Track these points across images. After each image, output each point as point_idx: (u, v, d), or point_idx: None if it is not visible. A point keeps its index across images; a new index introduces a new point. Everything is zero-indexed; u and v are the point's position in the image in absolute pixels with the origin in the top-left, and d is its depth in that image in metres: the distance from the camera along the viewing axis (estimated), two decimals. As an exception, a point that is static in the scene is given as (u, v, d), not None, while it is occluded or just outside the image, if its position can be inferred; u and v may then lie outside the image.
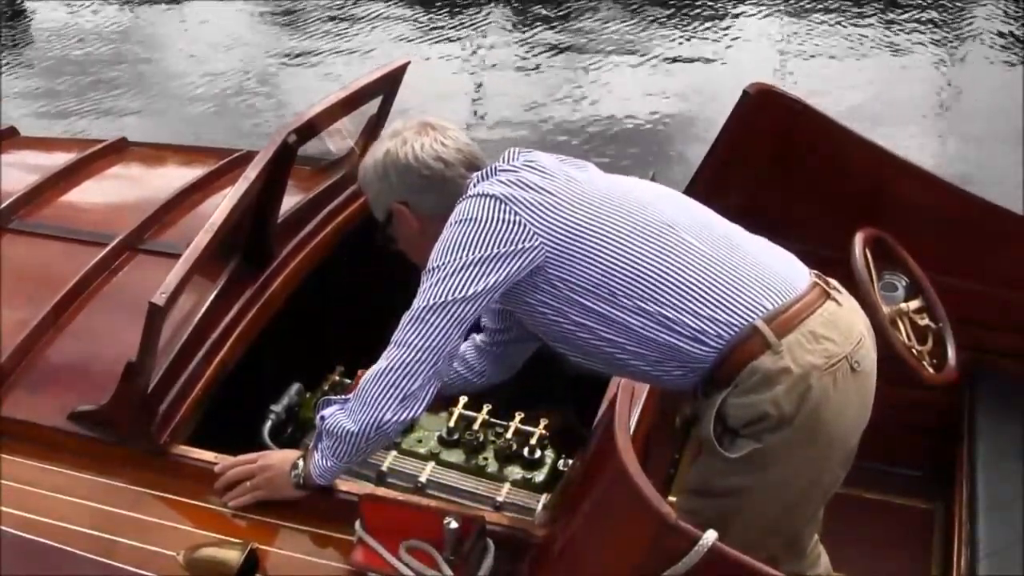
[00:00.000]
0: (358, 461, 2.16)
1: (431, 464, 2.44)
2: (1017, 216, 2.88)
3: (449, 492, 2.39)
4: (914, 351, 2.47)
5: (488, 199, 1.99)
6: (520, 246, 1.96)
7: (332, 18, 9.17)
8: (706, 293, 1.97)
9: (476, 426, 2.49)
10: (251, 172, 2.47)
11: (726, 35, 8.52)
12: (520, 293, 2.02)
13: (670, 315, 1.96)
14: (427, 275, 2.00)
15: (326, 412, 2.11)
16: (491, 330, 2.36)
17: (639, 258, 1.97)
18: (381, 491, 2.24)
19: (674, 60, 7.99)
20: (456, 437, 2.47)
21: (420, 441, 2.48)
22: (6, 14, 9.81)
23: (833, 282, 2.14)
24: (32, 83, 8.33)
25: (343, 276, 2.97)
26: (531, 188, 2.00)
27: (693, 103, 7.21)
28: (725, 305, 1.97)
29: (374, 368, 2.01)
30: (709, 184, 2.72)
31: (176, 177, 3.19)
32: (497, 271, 1.95)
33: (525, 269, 1.97)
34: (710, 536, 1.55)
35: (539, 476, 2.41)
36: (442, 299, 1.96)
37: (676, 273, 1.97)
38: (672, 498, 2.40)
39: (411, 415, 2.00)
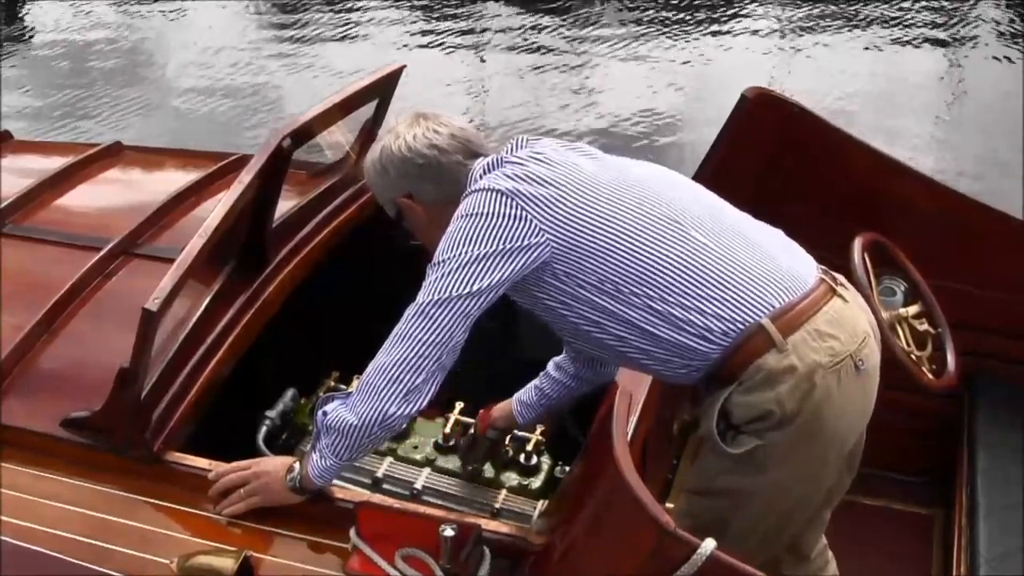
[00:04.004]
0: (357, 459, 2.14)
1: (427, 470, 2.43)
2: (1016, 220, 2.87)
3: (445, 498, 2.38)
4: (913, 356, 2.46)
5: (494, 194, 1.97)
6: (526, 242, 1.95)
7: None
8: (713, 291, 1.96)
9: (472, 432, 2.48)
10: (246, 177, 2.46)
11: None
12: (527, 287, 2.01)
13: (677, 314, 1.95)
14: (432, 269, 1.98)
15: (328, 407, 2.08)
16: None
17: (647, 255, 1.96)
18: (377, 498, 2.23)
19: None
20: (452, 443, 2.46)
21: (416, 447, 2.48)
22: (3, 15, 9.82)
23: (840, 278, 2.13)
24: (27, 85, 8.33)
25: (339, 280, 2.96)
26: (538, 182, 1.98)
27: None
28: (732, 303, 1.96)
29: (377, 362, 1.99)
30: (706, 188, 2.71)
31: (171, 181, 3.17)
32: (503, 267, 1.94)
33: (531, 265, 1.96)
34: (709, 545, 1.53)
35: (536, 482, 2.40)
36: (447, 294, 1.94)
37: (684, 271, 1.96)
38: (670, 504, 2.39)
39: (415, 409, 1.99)
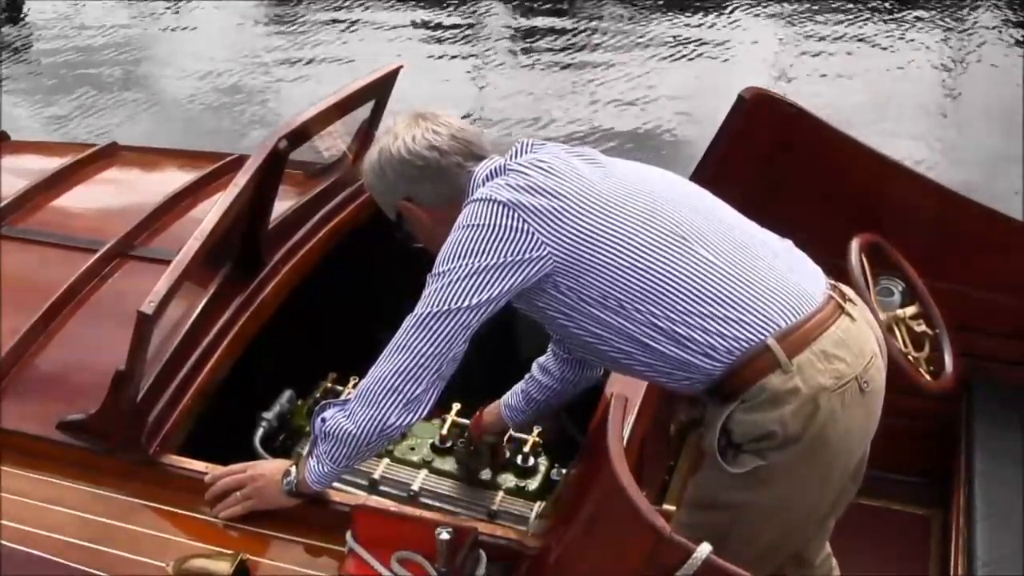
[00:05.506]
0: (354, 466, 2.14)
1: (424, 472, 2.43)
2: (1016, 221, 2.87)
3: (442, 500, 2.37)
4: (911, 357, 2.46)
5: (496, 205, 1.94)
6: (528, 255, 1.92)
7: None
8: (717, 309, 1.93)
9: (468, 437, 2.47)
10: (241, 178, 2.45)
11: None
12: (530, 297, 1.99)
13: (681, 331, 1.93)
14: (432, 279, 1.96)
15: (327, 414, 2.07)
16: (558, 339, 2.29)
17: (650, 272, 1.93)
18: (374, 500, 2.22)
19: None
20: (449, 445, 2.45)
21: (413, 449, 2.47)
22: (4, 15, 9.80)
23: (848, 293, 2.11)
24: (24, 85, 8.32)
25: (336, 281, 2.95)
26: (541, 193, 1.95)
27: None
28: (736, 322, 1.93)
29: (376, 371, 1.98)
30: (705, 188, 2.70)
31: (167, 182, 3.16)
32: (504, 280, 1.92)
33: (533, 278, 1.94)
34: (704, 549, 1.53)
35: (532, 484, 2.39)
36: (446, 307, 1.92)
37: (688, 289, 1.93)
38: (667, 507, 2.38)
39: (415, 418, 1.98)
